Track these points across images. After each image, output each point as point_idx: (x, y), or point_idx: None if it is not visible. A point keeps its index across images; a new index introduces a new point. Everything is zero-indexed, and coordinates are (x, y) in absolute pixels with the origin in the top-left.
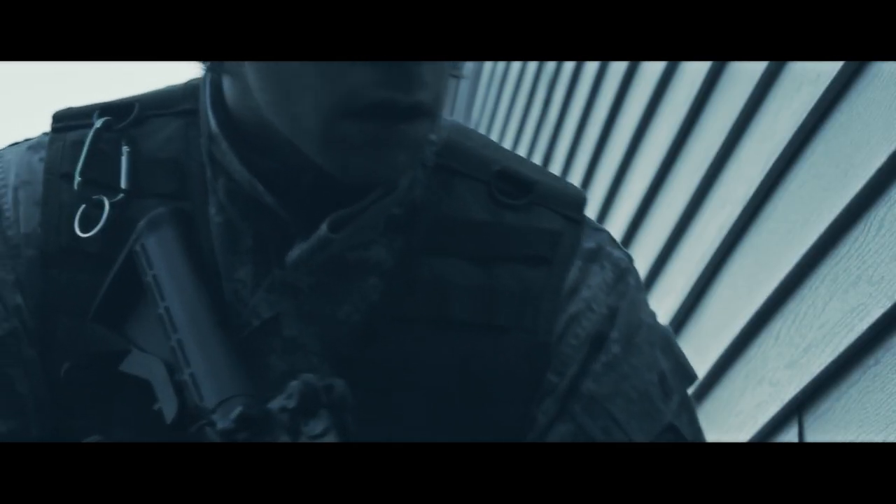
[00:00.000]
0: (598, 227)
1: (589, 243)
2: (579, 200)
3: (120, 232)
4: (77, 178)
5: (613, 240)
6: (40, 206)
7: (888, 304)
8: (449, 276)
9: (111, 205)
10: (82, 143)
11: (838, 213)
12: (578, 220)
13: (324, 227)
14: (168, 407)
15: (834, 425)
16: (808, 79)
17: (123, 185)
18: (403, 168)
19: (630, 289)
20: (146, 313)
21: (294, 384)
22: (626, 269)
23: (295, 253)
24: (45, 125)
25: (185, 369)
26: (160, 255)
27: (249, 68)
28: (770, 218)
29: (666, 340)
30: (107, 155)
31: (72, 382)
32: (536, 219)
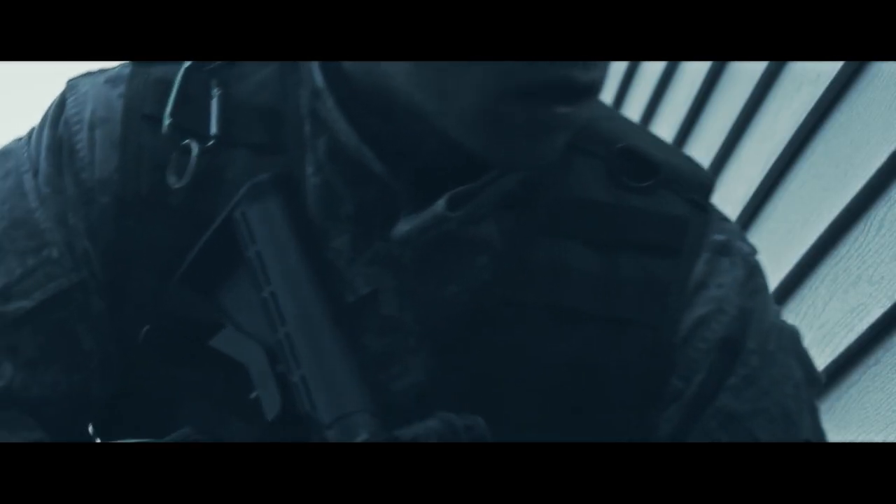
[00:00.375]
0: (724, 217)
1: (717, 235)
2: (707, 185)
3: (206, 184)
4: (166, 121)
5: (740, 231)
6: (118, 148)
7: (888, 304)
8: (566, 261)
9: (201, 152)
10: (168, 81)
11: (838, 213)
12: (705, 207)
13: (441, 204)
14: (270, 402)
15: (834, 425)
16: (808, 79)
17: (214, 130)
18: (558, 152)
19: (760, 288)
20: (244, 288)
21: (432, 423)
22: (755, 265)
23: (404, 227)
24: None
25: (294, 369)
26: (264, 231)
27: None
28: (770, 218)
29: (796, 344)
30: (195, 97)
31: (150, 346)
32: (661, 203)
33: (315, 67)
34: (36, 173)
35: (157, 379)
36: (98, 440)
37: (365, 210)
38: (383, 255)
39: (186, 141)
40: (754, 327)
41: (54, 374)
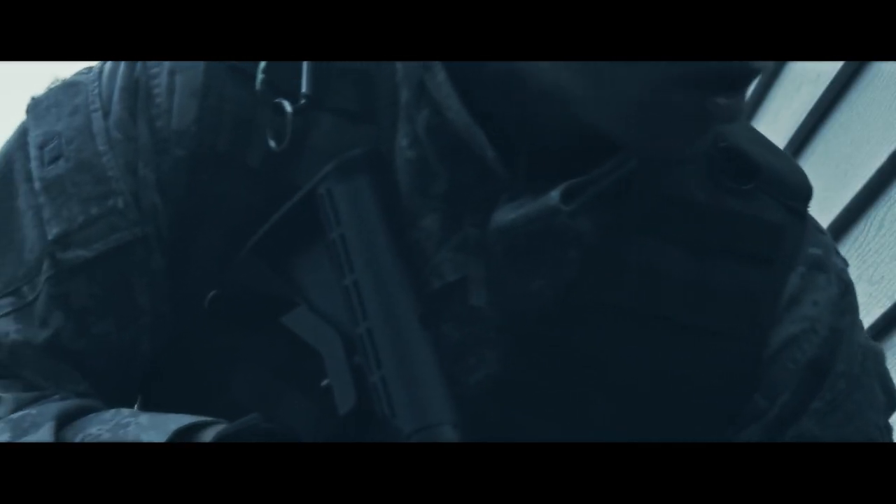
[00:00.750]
0: (821, 228)
1: (814, 248)
2: (807, 191)
3: (287, 147)
4: (259, 76)
5: (834, 244)
6: (198, 97)
7: (888, 304)
8: (659, 262)
9: (294, 112)
10: None
11: (838, 213)
12: (803, 215)
13: (555, 196)
14: (344, 396)
15: None
16: (808, 79)
17: (305, 90)
18: (706, 145)
19: (852, 307)
20: (323, 267)
21: None
22: (848, 282)
23: (508, 216)
24: None
25: (374, 369)
26: (351, 213)
27: None
28: None
29: (879, 365)
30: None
31: (215, 312)
32: (760, 208)
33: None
34: (107, 114)
35: (213, 344)
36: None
37: (460, 190)
38: (474, 241)
39: (278, 100)
40: (843, 349)
41: (105, 326)
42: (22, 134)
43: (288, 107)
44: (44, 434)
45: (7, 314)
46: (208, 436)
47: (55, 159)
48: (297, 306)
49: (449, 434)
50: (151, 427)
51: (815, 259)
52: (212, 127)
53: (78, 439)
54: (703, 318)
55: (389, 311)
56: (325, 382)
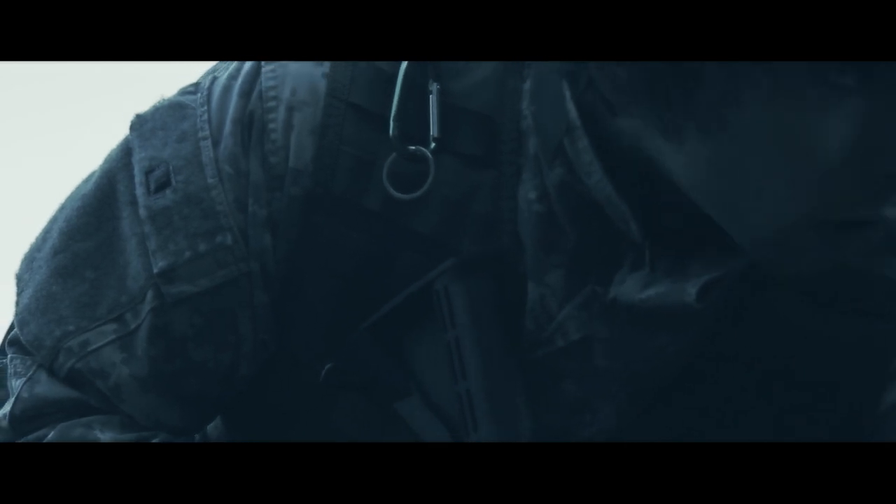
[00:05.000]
0: None
1: None
2: None
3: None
4: (393, 124)
5: None
6: (317, 136)
7: None
8: (783, 314)
9: (432, 157)
10: (378, 67)
11: None
12: None
13: (692, 293)
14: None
15: None
16: None
17: (435, 133)
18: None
19: None
20: (438, 361)
21: None
22: None
23: (637, 296)
24: (49, 125)
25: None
26: (467, 316)
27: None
28: None
29: None
30: (410, 90)
31: (329, 384)
32: (882, 264)
33: (568, 98)
34: (216, 143)
35: (312, 397)
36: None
37: (586, 248)
38: (598, 303)
39: (414, 147)
40: None
41: (204, 353)
42: (126, 153)
43: (429, 154)
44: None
45: (112, 342)
46: None
47: (162, 188)
48: (411, 395)
49: None
50: None
51: None
52: (329, 167)
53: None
54: (824, 372)
55: (501, 431)
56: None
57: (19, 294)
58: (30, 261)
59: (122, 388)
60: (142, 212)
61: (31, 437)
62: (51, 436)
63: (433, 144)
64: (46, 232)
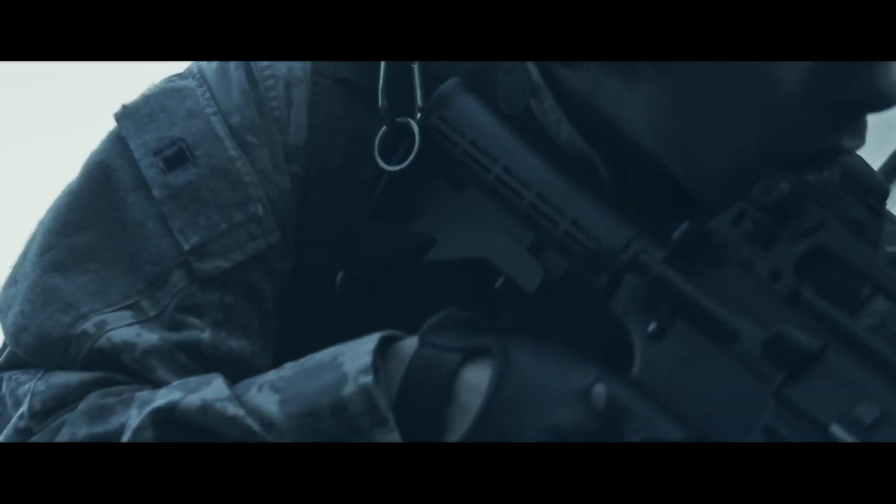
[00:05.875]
0: None
1: (891, 245)
2: (883, 189)
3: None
4: (382, 100)
5: None
6: (309, 113)
7: None
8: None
9: (420, 128)
10: None
11: None
12: (881, 212)
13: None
14: (527, 274)
15: None
16: None
17: (420, 103)
18: None
19: None
20: (450, 204)
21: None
22: None
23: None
24: (49, 125)
25: (559, 221)
26: (470, 120)
27: (636, 78)
28: None
29: None
30: (395, 64)
31: (349, 290)
32: (843, 207)
33: (530, 64)
34: (228, 116)
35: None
36: None
37: None
38: None
39: (402, 119)
40: None
41: (235, 341)
42: (118, 142)
43: (415, 126)
44: (217, 387)
45: (131, 325)
46: (408, 342)
47: (177, 165)
48: (435, 242)
49: (648, 243)
50: (345, 352)
51: (892, 257)
52: (322, 144)
53: (256, 386)
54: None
55: (545, 170)
56: (498, 283)
57: (3, 318)
58: (9, 285)
59: (153, 355)
60: (157, 192)
61: (55, 424)
62: (79, 408)
63: (418, 115)
64: (24, 253)
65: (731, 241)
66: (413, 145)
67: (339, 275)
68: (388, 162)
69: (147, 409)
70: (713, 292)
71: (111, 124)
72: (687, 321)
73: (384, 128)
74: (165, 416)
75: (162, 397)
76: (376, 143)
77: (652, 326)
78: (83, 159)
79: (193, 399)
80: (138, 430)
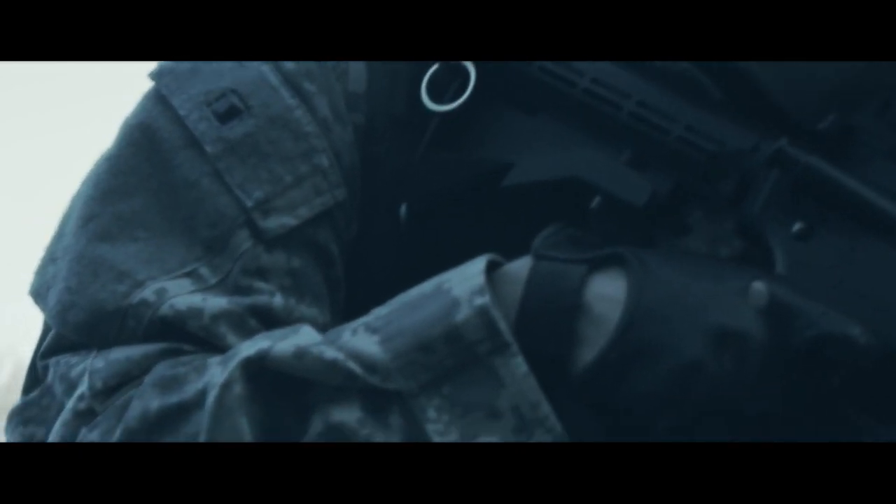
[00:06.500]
0: None
1: None
2: None
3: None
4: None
5: None
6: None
7: None
8: None
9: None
10: None
11: None
12: None
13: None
14: (632, 188)
15: None
16: None
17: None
18: None
19: None
20: (522, 129)
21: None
22: None
23: None
24: (48, 125)
25: (670, 128)
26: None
27: None
28: None
29: None
30: None
31: (416, 220)
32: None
33: None
34: (278, 65)
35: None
36: None
37: None
38: None
39: (457, 61)
40: None
41: (308, 306)
42: (158, 100)
43: (471, 67)
44: (308, 333)
45: (193, 293)
46: (516, 264)
47: (233, 116)
48: (510, 167)
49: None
50: (449, 278)
51: None
52: (386, 89)
53: (348, 331)
54: None
55: (645, 87)
56: (594, 202)
57: (43, 300)
58: (45, 265)
59: (221, 322)
60: (211, 148)
61: (121, 402)
62: (147, 381)
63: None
64: (60, 230)
65: (877, 132)
66: (468, 80)
67: (403, 208)
68: (438, 102)
69: (234, 362)
70: (867, 184)
71: (111, 124)
72: (842, 215)
73: (433, 67)
74: (256, 368)
75: (248, 348)
76: (423, 83)
77: (797, 226)
78: (118, 126)
79: (285, 346)
80: (227, 385)
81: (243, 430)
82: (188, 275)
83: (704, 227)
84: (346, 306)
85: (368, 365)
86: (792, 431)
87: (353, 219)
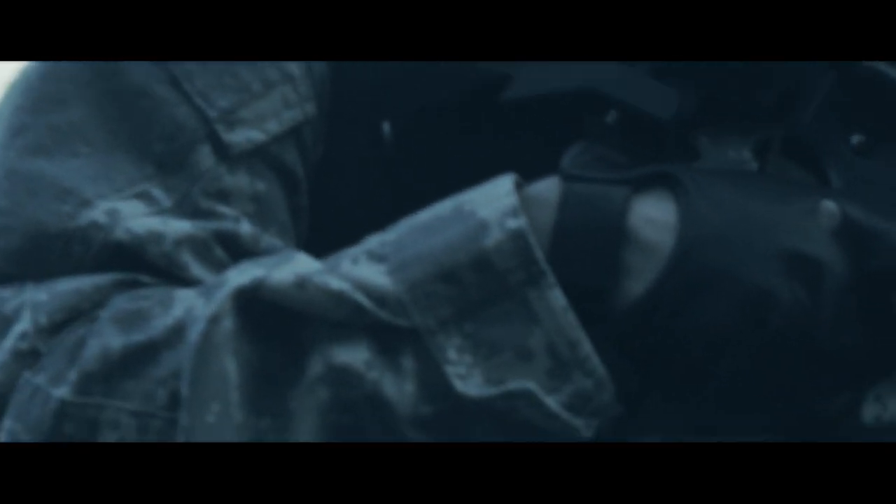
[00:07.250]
0: None
1: None
2: None
3: None
4: None
5: None
6: None
7: None
8: None
9: None
10: None
11: None
12: None
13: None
14: (657, 100)
15: None
16: None
17: None
18: None
19: None
20: None
21: None
22: None
23: None
24: None
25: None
26: None
27: None
28: None
29: None
30: None
31: (408, 136)
32: None
33: None
34: None
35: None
36: None
37: None
38: None
39: None
40: None
41: (271, 237)
42: None
43: None
44: (305, 261)
45: (147, 215)
46: (542, 184)
47: None
48: (508, 78)
49: None
50: (471, 198)
51: None
52: None
53: (347, 259)
54: None
55: None
56: (610, 117)
57: None
58: None
59: (184, 248)
60: None
61: (71, 340)
62: (104, 315)
63: None
64: None
65: None
66: None
67: (386, 126)
68: None
69: (223, 292)
70: None
71: None
72: None
73: None
74: (249, 299)
75: (238, 277)
76: None
77: (856, 139)
78: None
79: (284, 274)
80: (215, 319)
81: (229, 373)
82: (138, 196)
83: (711, 153)
84: (308, 239)
85: (378, 298)
86: (877, 367)
87: (319, 139)
